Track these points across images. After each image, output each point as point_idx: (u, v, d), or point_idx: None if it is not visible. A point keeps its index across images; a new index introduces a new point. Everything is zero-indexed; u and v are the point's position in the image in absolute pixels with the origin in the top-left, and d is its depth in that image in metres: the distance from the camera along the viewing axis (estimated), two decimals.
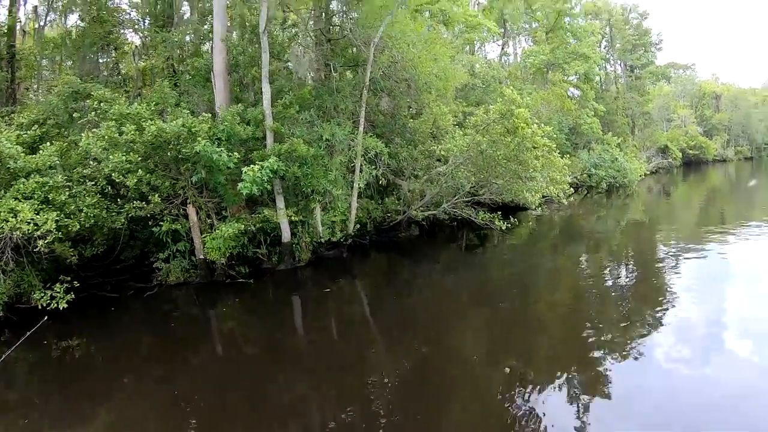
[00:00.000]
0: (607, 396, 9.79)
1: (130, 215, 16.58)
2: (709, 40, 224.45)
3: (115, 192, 17.08)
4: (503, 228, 22.80)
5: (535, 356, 12.14)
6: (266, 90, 18.69)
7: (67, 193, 15.00)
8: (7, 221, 13.27)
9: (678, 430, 8.52)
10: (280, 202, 18.80)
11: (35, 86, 27.98)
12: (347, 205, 21.25)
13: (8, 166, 14.59)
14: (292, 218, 19.05)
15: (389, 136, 24.60)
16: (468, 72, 34.44)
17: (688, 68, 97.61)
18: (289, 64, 23.05)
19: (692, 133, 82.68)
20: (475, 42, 45.25)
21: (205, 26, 24.57)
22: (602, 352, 11.66)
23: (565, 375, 10.61)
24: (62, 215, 14.44)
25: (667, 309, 14.29)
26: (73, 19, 28.22)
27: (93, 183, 16.18)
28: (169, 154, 16.56)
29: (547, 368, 11.22)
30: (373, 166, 22.17)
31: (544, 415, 9.09)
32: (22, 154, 15.02)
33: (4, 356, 10.33)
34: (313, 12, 24.99)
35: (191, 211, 17.48)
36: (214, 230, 17.48)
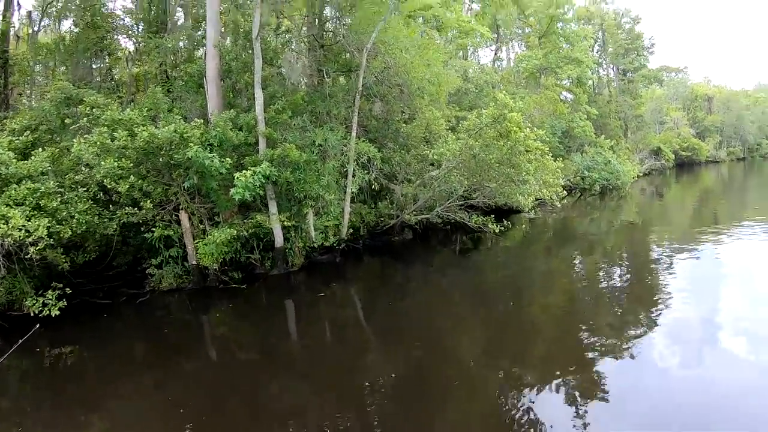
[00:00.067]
0: (603, 396, 9.84)
1: (122, 221, 16.52)
2: (701, 43, 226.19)
3: (107, 198, 17.05)
4: (497, 231, 22.90)
5: (530, 358, 12.20)
6: (259, 95, 18.71)
7: (59, 200, 14.94)
8: None
9: (674, 430, 8.56)
10: (273, 208, 18.81)
11: (28, 92, 27.97)
12: (340, 209, 21.25)
13: (0, 172, 14.54)
14: (285, 223, 19.04)
15: (382, 140, 24.67)
16: (461, 77, 34.61)
17: (680, 71, 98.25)
18: (282, 69, 23.09)
19: (685, 135, 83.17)
20: (468, 47, 45.37)
21: (199, 32, 24.66)
22: (597, 353, 11.74)
23: (560, 376, 10.65)
24: (54, 221, 14.37)
25: (661, 310, 14.38)
26: (67, 24, 28.22)
27: (85, 189, 16.13)
28: (161, 159, 16.54)
29: (542, 369, 11.28)
30: (366, 171, 22.20)
31: (540, 416, 9.15)
32: (14, 160, 14.97)
33: None
34: (306, 18, 25.06)
35: (184, 216, 17.46)
36: (207, 236, 17.46)
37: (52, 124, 18.59)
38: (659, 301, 15.23)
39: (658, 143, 72.25)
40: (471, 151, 22.56)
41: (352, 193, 21.75)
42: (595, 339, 12.57)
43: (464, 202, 24.83)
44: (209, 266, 17.61)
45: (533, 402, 9.64)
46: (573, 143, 47.20)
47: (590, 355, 11.67)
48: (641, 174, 58.75)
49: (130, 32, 26.94)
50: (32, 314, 13.95)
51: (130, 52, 27.36)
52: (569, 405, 9.58)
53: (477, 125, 22.53)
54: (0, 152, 14.71)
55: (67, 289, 14.77)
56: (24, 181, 14.65)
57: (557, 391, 10.10)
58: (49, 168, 15.68)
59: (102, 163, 15.46)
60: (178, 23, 26.68)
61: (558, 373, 10.82)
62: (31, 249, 13.46)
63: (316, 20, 24.75)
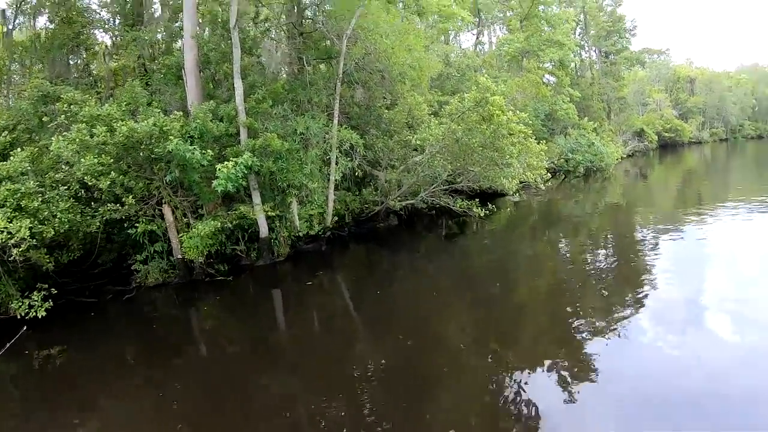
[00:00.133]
0: (591, 378, 9.93)
1: (105, 218, 16.36)
2: (683, 25, 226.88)
3: (88, 195, 16.82)
4: (482, 215, 23.06)
5: (518, 341, 12.33)
6: (238, 86, 18.57)
7: (40, 199, 14.68)
8: None
9: (660, 409, 8.68)
10: (257, 198, 18.75)
11: (5, 91, 27.52)
12: (324, 197, 21.24)
13: None
14: (269, 213, 18.98)
15: (364, 127, 24.63)
16: (443, 61, 34.54)
17: (662, 53, 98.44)
18: (262, 58, 22.91)
19: (668, 116, 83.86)
20: (449, 31, 45.27)
21: (176, 24, 24.34)
22: (585, 334, 11.87)
23: (549, 358, 10.79)
24: (36, 222, 14.15)
25: (647, 291, 14.52)
26: (42, 21, 27.78)
27: (66, 187, 15.87)
28: (141, 154, 16.38)
29: (531, 352, 11.42)
30: (349, 158, 22.18)
31: (529, 398, 9.24)
32: None
33: None
34: (284, 6, 24.86)
35: (167, 210, 17.36)
36: (191, 229, 17.39)
37: (30, 123, 18.32)
38: (645, 282, 15.36)
39: (641, 125, 72.68)
40: (454, 136, 22.59)
41: (336, 180, 21.75)
42: (582, 321, 12.67)
43: (449, 187, 24.90)
44: (195, 259, 17.56)
45: (523, 384, 9.74)
46: (556, 126, 47.34)
47: (578, 336, 11.80)
48: (625, 155, 59.20)
49: (106, 26, 26.59)
50: (19, 317, 13.87)
51: (107, 46, 27.03)
52: (558, 386, 9.68)
53: (459, 109, 22.57)
54: None
55: (53, 289, 14.69)
56: (4, 183, 14.41)
57: (546, 373, 10.21)
58: (29, 168, 15.39)
59: (82, 160, 15.26)
60: (155, 15, 26.33)
61: (546, 355, 10.95)
62: (14, 251, 13.30)
63: (295, 8, 24.55)
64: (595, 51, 66.36)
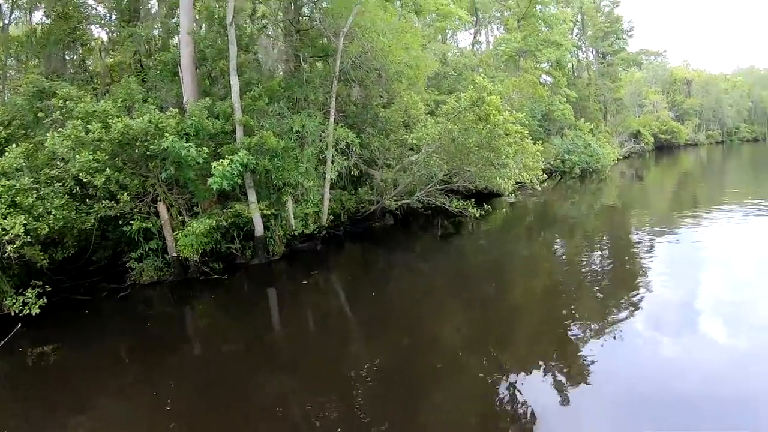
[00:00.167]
0: (586, 379, 9.93)
1: (100, 215, 16.29)
2: (680, 27, 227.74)
3: (83, 192, 16.73)
4: (477, 215, 23.06)
5: (513, 341, 12.33)
6: (234, 83, 18.52)
7: (35, 196, 14.58)
8: None
9: (656, 410, 8.66)
10: (252, 196, 18.69)
11: (1, 87, 27.39)
12: (320, 196, 21.20)
13: None
14: (265, 212, 18.93)
15: (361, 126, 24.56)
16: (440, 60, 34.53)
17: (659, 55, 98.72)
18: (258, 55, 22.84)
19: (664, 118, 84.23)
20: (447, 30, 45.25)
21: (173, 20, 24.23)
22: (580, 336, 11.87)
23: (544, 359, 10.81)
24: (30, 218, 14.06)
25: (642, 293, 14.46)
26: (38, 16, 27.65)
27: (61, 184, 15.79)
28: (137, 151, 16.31)
29: (526, 353, 11.44)
30: (345, 157, 22.13)
31: (525, 399, 9.23)
32: None
33: None
34: (281, 2, 24.78)
35: (162, 208, 17.29)
36: (186, 227, 17.31)
37: (26, 118, 18.22)
38: (640, 284, 15.36)
39: (638, 126, 72.94)
40: (450, 135, 22.59)
41: (332, 179, 21.71)
42: (578, 322, 12.67)
43: (444, 187, 24.87)
44: (189, 258, 17.49)
45: (517, 385, 9.72)
46: (553, 126, 47.44)
47: (573, 337, 11.80)
48: (621, 157, 59.36)
49: (102, 22, 26.44)
50: (13, 314, 13.80)
51: (103, 42, 26.89)
52: (554, 387, 9.67)
53: (456, 109, 22.53)
54: None
55: (47, 286, 14.59)
56: None
57: (541, 374, 10.22)
58: (24, 164, 15.26)
59: (77, 156, 15.16)
60: (152, 11, 26.24)
61: (542, 356, 10.98)
62: (8, 247, 13.26)
63: (292, 5, 24.52)
64: (592, 52, 66.55)
